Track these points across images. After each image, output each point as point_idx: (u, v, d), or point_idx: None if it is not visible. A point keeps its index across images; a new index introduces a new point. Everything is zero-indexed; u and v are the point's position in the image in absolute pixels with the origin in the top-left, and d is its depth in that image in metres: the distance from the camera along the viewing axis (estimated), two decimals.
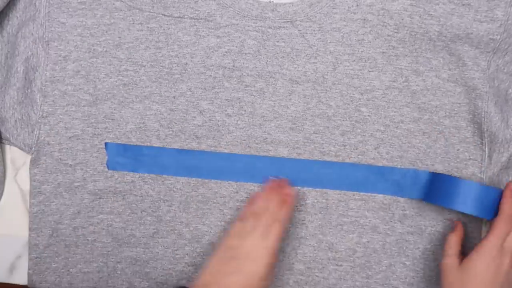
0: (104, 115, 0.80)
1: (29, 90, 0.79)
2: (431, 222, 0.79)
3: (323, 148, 0.79)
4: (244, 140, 0.80)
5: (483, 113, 0.78)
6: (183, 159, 0.80)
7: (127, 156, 0.80)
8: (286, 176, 0.79)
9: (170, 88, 0.80)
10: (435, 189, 0.75)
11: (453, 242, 0.73)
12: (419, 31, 0.77)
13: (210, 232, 0.80)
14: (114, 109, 0.80)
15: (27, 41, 0.79)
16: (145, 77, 0.80)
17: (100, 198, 0.81)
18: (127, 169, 0.80)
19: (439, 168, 0.78)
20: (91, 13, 0.79)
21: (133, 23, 0.79)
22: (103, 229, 0.81)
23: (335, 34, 0.78)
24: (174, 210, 0.80)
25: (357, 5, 0.78)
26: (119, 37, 0.80)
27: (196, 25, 0.79)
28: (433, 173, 0.77)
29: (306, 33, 0.78)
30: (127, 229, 0.81)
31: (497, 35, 0.76)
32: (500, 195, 0.73)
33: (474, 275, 0.68)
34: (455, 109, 0.78)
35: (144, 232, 0.81)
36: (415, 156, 0.78)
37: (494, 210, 0.73)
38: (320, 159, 0.79)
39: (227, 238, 0.74)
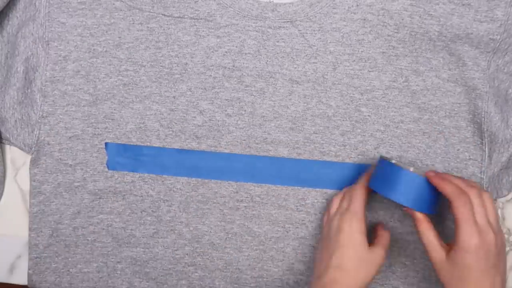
0: (104, 115, 0.80)
1: (29, 90, 0.80)
2: (431, 222, 0.78)
3: (323, 148, 0.79)
4: (244, 140, 0.80)
5: (483, 113, 0.78)
6: (183, 159, 0.80)
7: (127, 156, 0.80)
8: (286, 176, 0.79)
9: (170, 88, 0.80)
10: (378, 176, 0.73)
11: (428, 236, 0.68)
12: (419, 31, 0.77)
13: (210, 232, 0.80)
14: (114, 109, 0.80)
15: (27, 41, 0.79)
16: (145, 77, 0.80)
17: (100, 198, 0.81)
18: (127, 169, 0.80)
19: (439, 168, 0.78)
20: (91, 13, 0.79)
21: (133, 23, 0.79)
22: (103, 229, 0.81)
23: (335, 34, 0.78)
24: (174, 210, 0.80)
25: (357, 5, 0.78)
26: (119, 37, 0.80)
27: (196, 25, 0.79)
28: (380, 158, 0.74)
29: (306, 33, 0.78)
30: (127, 229, 0.81)
31: (497, 35, 0.76)
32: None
33: (467, 268, 0.64)
34: (455, 109, 0.78)
35: (144, 232, 0.81)
36: (415, 156, 0.78)
37: (435, 204, 0.71)
38: (320, 159, 0.79)
39: (322, 231, 0.75)
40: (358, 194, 0.73)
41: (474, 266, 0.64)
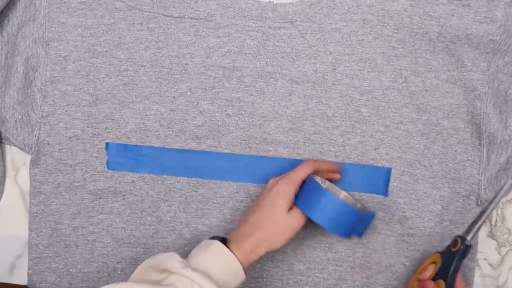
0: (104, 115, 0.80)
1: (29, 90, 0.79)
2: (430, 223, 0.79)
3: (323, 149, 0.79)
4: (244, 140, 0.80)
5: (482, 114, 0.78)
6: (183, 159, 0.80)
7: (127, 156, 0.80)
8: None
9: (170, 88, 0.80)
10: (303, 194, 0.73)
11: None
12: (419, 31, 0.77)
13: (210, 232, 0.80)
14: (114, 109, 0.80)
15: (27, 41, 0.79)
16: (145, 77, 0.80)
17: (100, 198, 0.81)
18: (127, 169, 0.80)
19: (437, 169, 0.78)
20: (91, 13, 0.79)
21: (133, 23, 0.79)
22: (103, 229, 0.81)
23: (335, 34, 0.78)
24: (174, 210, 0.80)
25: (357, 6, 0.78)
26: (119, 37, 0.79)
27: (196, 25, 0.79)
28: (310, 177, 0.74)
29: (306, 33, 0.78)
30: (127, 229, 0.81)
31: (496, 36, 0.76)
32: (356, 215, 0.72)
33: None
34: (454, 110, 0.78)
35: (144, 232, 0.81)
36: (413, 157, 0.79)
37: (349, 229, 0.72)
38: (320, 160, 0.79)
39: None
40: (304, 165, 0.74)
41: None
